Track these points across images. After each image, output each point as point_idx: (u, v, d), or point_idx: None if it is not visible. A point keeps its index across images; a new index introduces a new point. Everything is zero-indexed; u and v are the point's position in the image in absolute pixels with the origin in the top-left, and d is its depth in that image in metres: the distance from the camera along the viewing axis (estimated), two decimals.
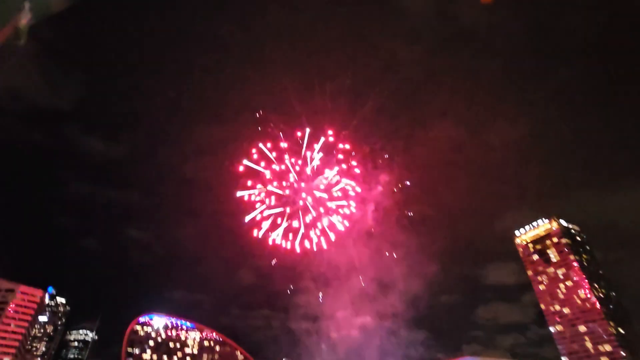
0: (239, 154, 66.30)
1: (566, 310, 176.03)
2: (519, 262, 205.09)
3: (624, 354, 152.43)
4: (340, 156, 68.13)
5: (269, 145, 67.35)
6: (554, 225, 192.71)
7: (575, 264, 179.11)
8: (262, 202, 68.08)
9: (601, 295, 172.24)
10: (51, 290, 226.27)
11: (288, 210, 68.85)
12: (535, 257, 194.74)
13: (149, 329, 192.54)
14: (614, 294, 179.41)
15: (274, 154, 67.39)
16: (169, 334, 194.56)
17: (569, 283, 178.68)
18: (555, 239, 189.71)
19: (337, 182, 68.67)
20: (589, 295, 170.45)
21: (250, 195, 67.96)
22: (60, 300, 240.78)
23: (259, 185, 67.76)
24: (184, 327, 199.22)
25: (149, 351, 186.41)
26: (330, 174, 67.96)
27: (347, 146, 69.02)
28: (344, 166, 68.71)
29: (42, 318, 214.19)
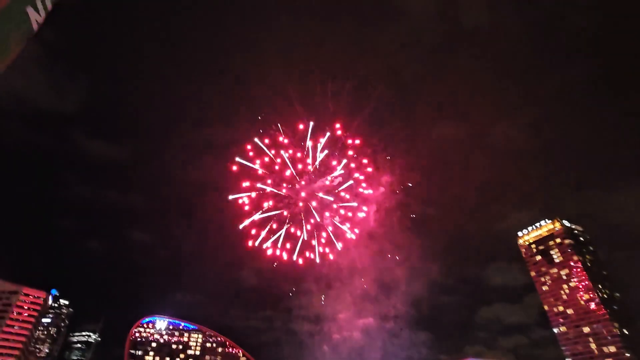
0: (240, 154, 62.25)
1: (570, 311, 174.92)
2: (522, 263, 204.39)
3: (628, 356, 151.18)
4: (350, 152, 62.61)
5: (266, 141, 61.94)
6: (557, 225, 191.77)
7: (578, 264, 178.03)
8: (260, 206, 62.51)
9: (605, 296, 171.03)
10: (54, 292, 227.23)
11: (286, 214, 63.82)
12: (538, 257, 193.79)
13: (151, 331, 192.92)
14: (618, 294, 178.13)
15: (273, 151, 62.09)
16: (172, 335, 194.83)
17: (572, 284, 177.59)
18: (558, 240, 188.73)
19: (342, 183, 63.21)
20: (592, 296, 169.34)
21: (243, 198, 62.00)
22: (64, 302, 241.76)
23: (251, 186, 61.69)
24: (186, 328, 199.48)
25: (151, 353, 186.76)
26: (337, 172, 62.23)
27: (357, 141, 63.17)
28: (352, 165, 63.16)
29: (46, 320, 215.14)
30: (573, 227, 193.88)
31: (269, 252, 62.93)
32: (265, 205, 62.41)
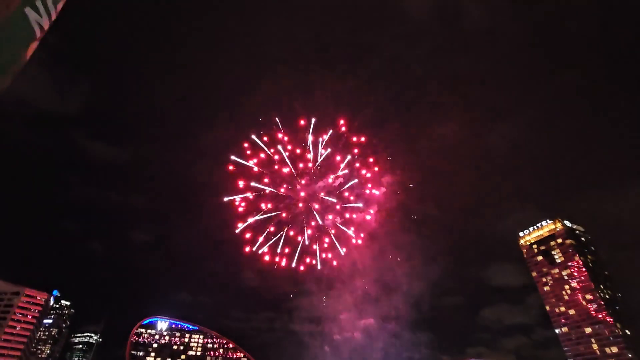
0: (238, 153, 58.87)
1: (571, 312, 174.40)
2: (523, 263, 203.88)
3: (630, 356, 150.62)
4: (352, 151, 58.83)
5: (265, 139, 58.46)
6: (558, 225, 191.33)
7: (580, 265, 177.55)
8: (258, 207, 57.95)
9: (607, 297, 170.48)
10: (56, 293, 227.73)
11: (284, 215, 59.35)
12: (540, 258, 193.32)
13: (152, 332, 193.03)
14: (619, 295, 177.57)
15: (272, 150, 58.70)
16: (173, 336, 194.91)
17: (574, 284, 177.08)
18: (559, 240, 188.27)
19: (345, 183, 58.90)
20: (594, 297, 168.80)
21: (240, 199, 57.73)
22: (65, 303, 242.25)
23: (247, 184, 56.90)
24: (188, 329, 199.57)
25: (152, 354, 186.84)
26: (340, 171, 57.68)
27: (362, 139, 59.28)
28: (356, 164, 59.35)
29: (47, 321, 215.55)
30: (574, 227, 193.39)
31: (267, 257, 59.21)
32: (263, 206, 58.35)
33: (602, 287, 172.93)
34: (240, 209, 58.40)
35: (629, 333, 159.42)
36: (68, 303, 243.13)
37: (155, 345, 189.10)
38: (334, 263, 62.22)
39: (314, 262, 61.02)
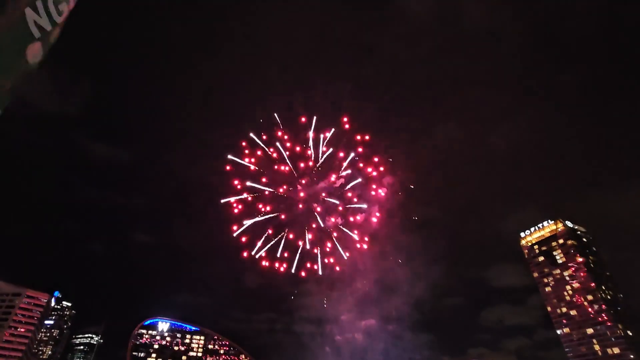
0: (236, 152, 57.22)
1: (573, 313, 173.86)
2: (525, 264, 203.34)
3: (632, 357, 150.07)
4: (355, 150, 55.70)
5: (264, 138, 56.32)
6: (560, 226, 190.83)
7: (581, 265, 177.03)
8: (256, 209, 55.43)
9: (608, 297, 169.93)
10: (57, 294, 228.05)
11: (283, 217, 56.88)
12: (541, 258, 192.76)
13: (153, 333, 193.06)
14: (621, 295, 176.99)
15: (271, 149, 56.76)
16: (174, 337, 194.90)
17: (575, 285, 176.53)
18: (561, 240, 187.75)
19: (347, 183, 59.28)
20: (596, 297, 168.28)
21: (237, 200, 55.24)
22: (66, 304, 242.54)
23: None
24: (189, 330, 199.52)
25: (153, 355, 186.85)
26: (343, 170, 54.93)
27: (367, 137, 56.53)
28: (360, 164, 56.71)
29: (48, 322, 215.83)
30: (576, 227, 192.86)
31: (266, 263, 56.44)
32: (263, 209, 55.99)
33: (603, 287, 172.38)
34: (236, 211, 56.39)
35: (630, 334, 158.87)
36: (69, 304, 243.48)
37: (156, 346, 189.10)
38: (337, 268, 60.20)
39: (315, 267, 59.06)
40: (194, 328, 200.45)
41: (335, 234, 59.06)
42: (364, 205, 58.76)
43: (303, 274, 58.22)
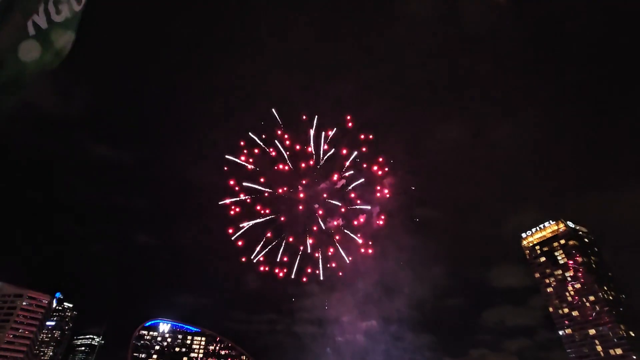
0: (235, 153, 55.89)
1: (575, 313, 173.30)
2: (526, 265, 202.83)
3: (635, 358, 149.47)
4: (352, 151, 54.37)
5: (264, 137, 55.00)
6: (561, 226, 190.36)
7: (583, 266, 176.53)
8: (255, 211, 53.26)
9: (610, 298, 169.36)
10: (59, 295, 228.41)
11: (283, 219, 54.92)
12: (542, 259, 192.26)
13: (154, 334, 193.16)
14: (623, 296, 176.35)
15: (271, 149, 55.41)
16: (175, 339, 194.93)
17: (577, 285, 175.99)
18: (562, 241, 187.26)
19: (349, 184, 57.13)
20: (598, 298, 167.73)
21: (235, 202, 53.19)
22: (68, 305, 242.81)
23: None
24: (189, 331, 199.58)
25: (154, 356, 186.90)
26: (346, 170, 52.91)
27: (370, 136, 55.45)
28: (362, 164, 55.32)
29: (50, 323, 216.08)
30: (577, 228, 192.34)
31: (266, 267, 54.90)
32: (260, 209, 53.98)
33: (605, 288, 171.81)
34: (233, 213, 54.89)
35: (633, 335, 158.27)
36: (70, 305, 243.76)
37: (157, 348, 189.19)
38: (340, 273, 58.89)
39: (316, 272, 57.55)
40: (195, 329, 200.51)
41: (337, 237, 57.68)
42: (368, 207, 57.72)
43: (304, 279, 57.14)
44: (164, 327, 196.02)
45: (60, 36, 5.64)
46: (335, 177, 57.09)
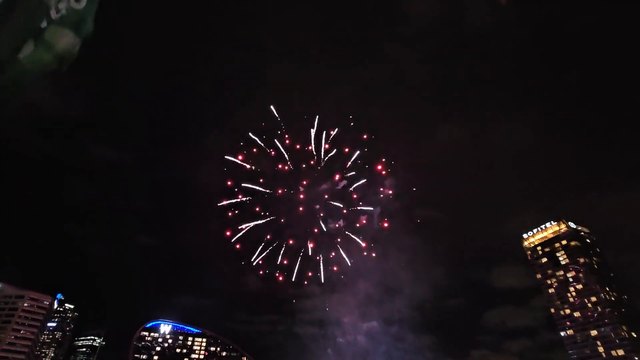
0: (235, 154, 55.28)
1: (577, 314, 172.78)
2: (527, 265, 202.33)
3: (637, 359, 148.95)
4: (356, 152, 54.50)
5: (264, 137, 54.60)
6: (563, 227, 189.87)
7: (585, 266, 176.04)
8: (255, 212, 52.26)
9: (613, 299, 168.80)
10: (60, 296, 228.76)
11: (283, 221, 54.23)
12: (544, 259, 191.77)
13: (155, 335, 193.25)
14: (626, 297, 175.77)
15: (271, 150, 54.75)
16: (176, 340, 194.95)
17: (579, 286, 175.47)
18: (564, 241, 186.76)
19: (349, 185, 55.77)
20: (600, 299, 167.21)
21: (236, 204, 52.44)
22: (69, 306, 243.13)
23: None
24: (190, 333, 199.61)
25: (155, 357, 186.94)
26: (348, 171, 52.75)
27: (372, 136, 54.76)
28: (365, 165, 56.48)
29: (51, 324, 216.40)
30: (579, 228, 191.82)
31: (266, 270, 54.50)
32: (262, 213, 53.35)
33: (607, 289, 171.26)
34: (230, 214, 54.38)
35: (635, 336, 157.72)
36: (72, 306, 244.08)
37: (158, 349, 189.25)
38: (341, 277, 58.98)
39: (318, 274, 57.30)
40: (196, 330, 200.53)
41: (338, 239, 57.54)
42: (370, 208, 57.57)
43: (305, 282, 56.43)
44: (165, 328, 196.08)
45: (60, 36, 5.62)
46: (337, 177, 56.67)
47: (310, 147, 55.54)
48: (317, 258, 56.38)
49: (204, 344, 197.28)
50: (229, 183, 54.24)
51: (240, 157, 54.95)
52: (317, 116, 56.19)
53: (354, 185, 57.07)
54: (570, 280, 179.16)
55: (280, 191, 55.82)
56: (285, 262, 55.60)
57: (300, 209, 56.73)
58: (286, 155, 55.34)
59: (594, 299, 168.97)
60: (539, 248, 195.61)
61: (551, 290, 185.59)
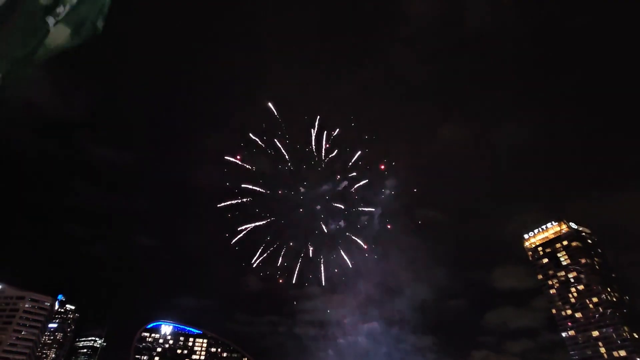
0: (241, 157, 55.30)
1: (578, 315, 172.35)
2: (528, 266, 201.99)
3: None
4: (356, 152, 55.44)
5: (265, 138, 54.70)
6: (564, 227, 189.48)
7: (586, 267, 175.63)
8: (255, 214, 51.96)
9: (614, 299, 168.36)
10: (61, 297, 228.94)
11: (283, 222, 54.38)
12: (545, 260, 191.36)
13: (156, 336, 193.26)
14: (627, 297, 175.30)
15: (272, 151, 55.04)
16: (177, 340, 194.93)
17: (580, 287, 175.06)
18: (565, 242, 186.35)
19: (350, 186, 55.34)
20: (601, 300, 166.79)
21: (234, 206, 52.09)
22: (70, 307, 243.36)
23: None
24: (191, 333, 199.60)
25: (156, 358, 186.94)
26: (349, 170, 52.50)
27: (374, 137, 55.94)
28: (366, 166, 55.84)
29: (52, 325, 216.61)
30: (580, 229, 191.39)
31: (266, 272, 53.06)
32: (262, 214, 52.94)
33: (609, 289, 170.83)
34: (230, 216, 54.30)
35: (637, 336, 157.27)
36: (73, 307, 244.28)
37: (159, 350, 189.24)
38: (342, 278, 58.70)
39: (318, 275, 57.16)
40: (196, 331, 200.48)
41: (339, 240, 57.04)
42: (372, 209, 57.22)
43: (305, 283, 56.16)
44: (166, 329, 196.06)
45: (58, 32, 5.66)
46: (338, 178, 56.66)
47: (310, 147, 55.33)
48: (318, 259, 55.62)
49: (204, 345, 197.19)
50: (230, 184, 53.68)
51: (240, 158, 54.68)
52: (318, 116, 56.10)
53: (356, 186, 56.89)
54: (572, 280, 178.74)
55: (280, 192, 55.61)
56: (285, 263, 54.95)
57: (301, 210, 57.16)
58: (286, 156, 55.07)
59: (595, 299, 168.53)
60: (540, 248, 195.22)
61: (552, 291, 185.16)
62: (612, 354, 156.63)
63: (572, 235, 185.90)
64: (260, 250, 53.84)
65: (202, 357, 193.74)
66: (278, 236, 55.21)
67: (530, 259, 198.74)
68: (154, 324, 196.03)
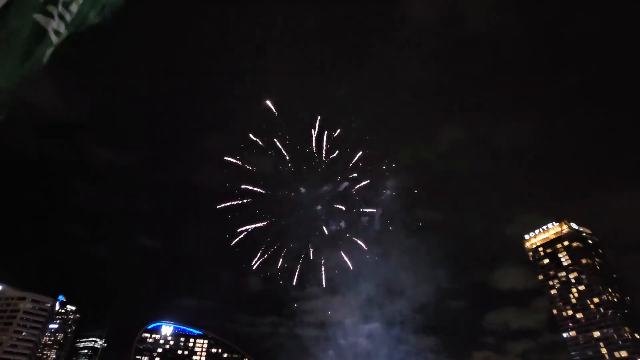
0: (242, 158, 55.66)
1: (579, 316, 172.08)
2: (529, 266, 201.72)
3: None
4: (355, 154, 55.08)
5: (266, 139, 54.45)
6: (565, 228, 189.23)
7: (587, 267, 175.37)
8: (257, 215, 52.42)
9: (615, 300, 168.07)
10: (61, 298, 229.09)
11: (284, 223, 54.80)
12: (546, 261, 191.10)
13: (157, 337, 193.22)
14: (628, 298, 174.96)
15: (272, 152, 55.04)
16: (177, 341, 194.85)
17: (581, 287, 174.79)
18: (566, 242, 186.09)
19: (351, 186, 55.48)
20: (602, 300, 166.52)
21: (234, 207, 52.00)
22: (71, 308, 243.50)
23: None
24: (192, 334, 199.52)
25: (157, 359, 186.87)
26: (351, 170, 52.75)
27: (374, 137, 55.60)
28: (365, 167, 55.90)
29: (53, 326, 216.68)
30: (581, 229, 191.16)
31: (266, 273, 52.30)
32: (263, 215, 52.59)
33: (610, 290, 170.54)
34: (230, 216, 54.17)
35: (638, 337, 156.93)
36: (73, 308, 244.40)
37: (159, 350, 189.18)
38: (343, 279, 58.38)
39: (319, 276, 56.76)
40: (197, 332, 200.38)
41: (340, 241, 56.68)
42: (372, 210, 56.95)
43: (306, 284, 55.77)
44: (167, 329, 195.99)
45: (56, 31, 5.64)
46: (338, 178, 56.61)
47: (311, 148, 55.22)
48: (319, 260, 55.57)
49: (205, 346, 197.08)
50: (230, 185, 53.58)
51: (242, 159, 54.60)
52: (319, 117, 56.00)
53: (356, 187, 56.76)
54: (573, 281, 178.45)
55: (280, 193, 55.64)
56: (286, 264, 54.84)
57: (301, 210, 56.60)
58: (287, 157, 54.95)
59: (596, 300, 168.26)
60: (540, 249, 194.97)
61: (553, 292, 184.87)
62: (614, 355, 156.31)
63: (572, 235, 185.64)
64: (260, 251, 53.46)
65: (203, 358, 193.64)
66: (278, 237, 55.12)
67: (531, 259, 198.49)
68: (155, 324, 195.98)
